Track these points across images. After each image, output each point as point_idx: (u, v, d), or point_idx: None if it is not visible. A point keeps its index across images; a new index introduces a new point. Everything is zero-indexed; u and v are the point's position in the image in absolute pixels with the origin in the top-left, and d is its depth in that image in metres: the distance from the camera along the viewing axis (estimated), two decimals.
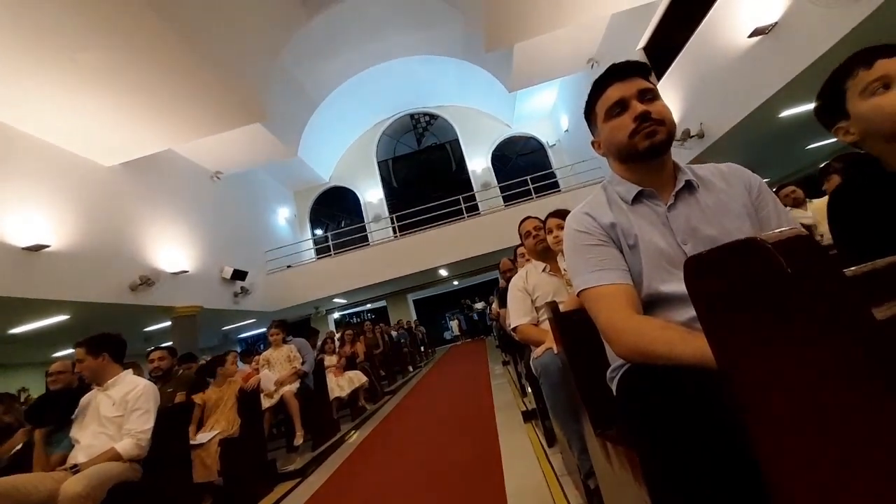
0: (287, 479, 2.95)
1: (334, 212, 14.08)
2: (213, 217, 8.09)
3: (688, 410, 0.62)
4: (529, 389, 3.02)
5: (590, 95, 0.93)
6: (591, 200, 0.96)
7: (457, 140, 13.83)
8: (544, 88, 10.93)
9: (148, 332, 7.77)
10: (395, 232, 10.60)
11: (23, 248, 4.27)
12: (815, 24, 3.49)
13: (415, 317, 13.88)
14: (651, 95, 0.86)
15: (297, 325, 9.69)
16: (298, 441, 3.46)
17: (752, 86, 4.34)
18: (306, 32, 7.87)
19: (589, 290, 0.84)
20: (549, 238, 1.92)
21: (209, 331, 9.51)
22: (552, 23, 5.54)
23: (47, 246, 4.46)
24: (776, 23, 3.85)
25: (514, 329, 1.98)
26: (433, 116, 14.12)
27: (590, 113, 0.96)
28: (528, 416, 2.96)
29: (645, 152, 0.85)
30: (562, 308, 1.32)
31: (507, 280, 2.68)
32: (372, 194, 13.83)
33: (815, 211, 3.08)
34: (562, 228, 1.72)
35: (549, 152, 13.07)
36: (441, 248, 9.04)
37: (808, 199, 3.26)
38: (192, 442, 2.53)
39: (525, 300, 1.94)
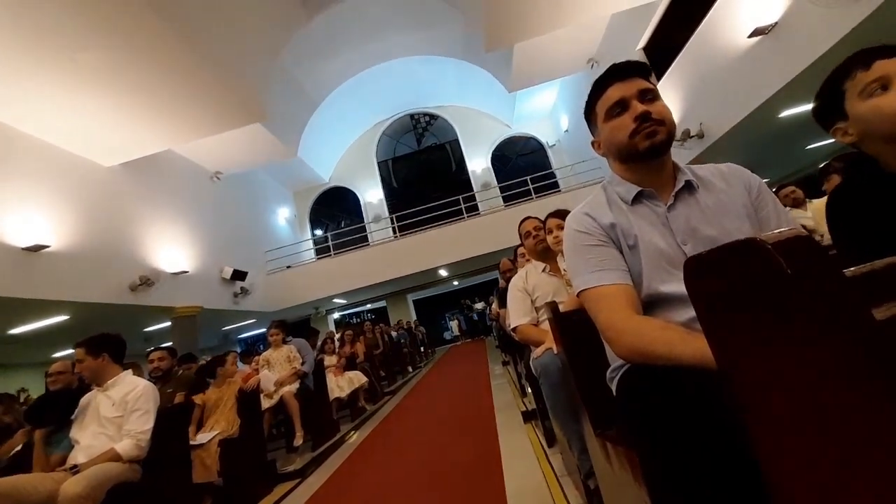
0: (287, 480, 2.95)
1: (334, 212, 14.08)
2: (213, 217, 8.09)
3: (688, 411, 0.62)
4: (529, 390, 3.02)
5: (590, 95, 0.93)
6: (591, 201, 0.96)
7: (457, 140, 13.84)
8: (544, 88, 10.93)
9: (148, 333, 7.77)
10: (395, 232, 10.60)
11: (23, 249, 4.27)
12: (815, 24, 3.49)
13: (415, 317, 13.88)
14: (651, 96, 0.86)
15: (297, 326, 9.69)
16: (298, 441, 3.46)
17: (752, 86, 4.34)
18: (306, 32, 7.87)
19: (589, 290, 0.84)
20: (549, 238, 1.92)
21: (209, 331, 9.51)
22: (552, 23, 5.54)
23: (47, 246, 4.46)
24: (776, 23, 3.85)
25: (514, 329, 1.98)
26: (433, 116, 14.12)
27: (590, 113, 0.96)
28: (528, 416, 2.96)
29: (645, 152, 0.85)
30: (562, 308, 1.32)
31: (507, 280, 2.68)
32: (372, 194, 13.83)
33: (815, 211, 3.08)
34: (562, 228, 1.72)
35: (549, 152, 13.08)
36: (441, 248, 9.04)
37: (807, 200, 3.26)
38: (191, 442, 2.52)
39: (525, 300, 1.94)
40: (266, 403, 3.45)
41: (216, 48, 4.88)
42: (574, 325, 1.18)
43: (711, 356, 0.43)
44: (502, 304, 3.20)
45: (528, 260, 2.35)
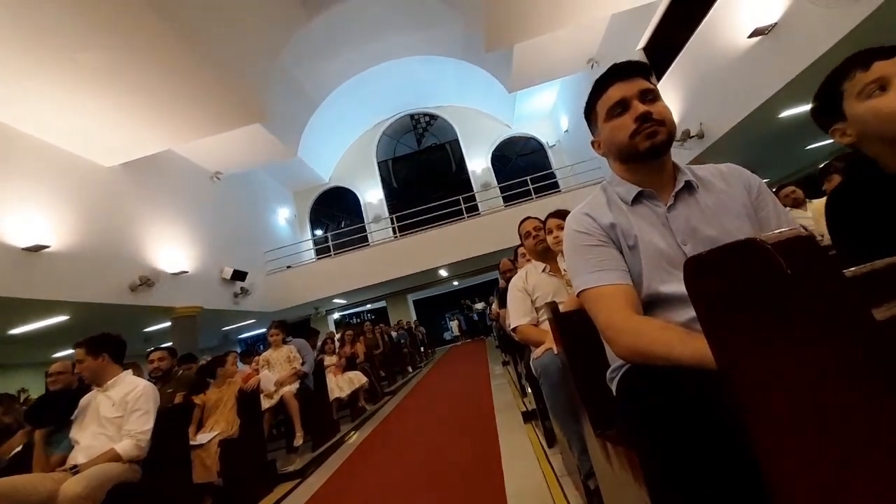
0: (287, 480, 2.95)
1: (334, 212, 14.08)
2: (213, 217, 8.09)
3: (688, 411, 0.62)
4: (529, 390, 3.02)
5: (591, 95, 0.93)
6: (591, 201, 0.96)
7: (457, 140, 13.84)
8: (544, 89, 10.93)
9: (148, 333, 7.77)
10: (394, 232, 10.60)
11: (23, 249, 4.27)
12: (815, 24, 3.49)
13: (415, 317, 13.87)
14: (652, 96, 0.86)
15: (297, 326, 9.68)
16: (298, 442, 3.46)
17: (752, 86, 4.35)
18: (306, 32, 7.87)
19: (589, 290, 0.84)
20: (549, 238, 1.92)
21: (209, 331, 9.51)
22: (552, 23, 5.54)
23: (47, 246, 4.46)
24: (776, 23, 3.85)
25: (514, 329, 1.98)
26: (433, 117, 14.12)
27: (590, 112, 0.96)
28: (528, 416, 2.96)
29: (645, 153, 0.85)
30: (562, 308, 1.32)
31: (507, 280, 2.68)
32: (372, 195, 13.83)
33: (815, 211, 3.09)
34: (562, 229, 1.72)
35: (549, 152, 13.08)
36: (441, 248, 9.04)
37: (807, 200, 3.26)
38: (191, 442, 2.52)
39: (525, 300, 1.94)
40: (266, 404, 3.45)
41: (216, 48, 4.88)
42: (574, 326, 1.18)
43: (711, 356, 0.43)
44: (502, 304, 3.20)
45: (528, 260, 2.35)
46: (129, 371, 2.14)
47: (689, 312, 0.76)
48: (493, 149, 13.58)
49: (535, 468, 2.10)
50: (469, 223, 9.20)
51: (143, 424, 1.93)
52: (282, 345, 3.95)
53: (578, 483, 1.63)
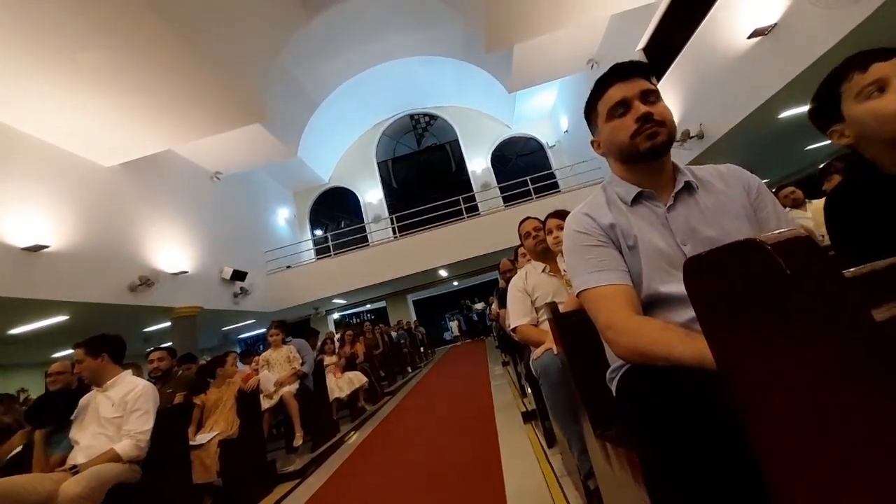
0: (286, 480, 2.95)
1: (334, 212, 14.08)
2: (213, 217, 8.09)
3: (688, 411, 0.62)
4: (529, 390, 3.02)
5: (591, 94, 0.93)
6: (591, 201, 0.96)
7: (456, 140, 13.84)
8: (544, 89, 10.93)
9: (147, 333, 7.76)
10: (394, 232, 10.60)
11: (22, 249, 4.27)
12: (815, 24, 3.49)
13: (414, 317, 13.87)
14: (653, 97, 0.86)
15: (297, 326, 9.68)
16: (298, 442, 3.46)
17: (752, 87, 4.35)
18: (306, 32, 7.88)
19: (588, 290, 0.84)
20: (549, 238, 1.92)
21: (209, 331, 9.50)
22: (552, 23, 5.54)
23: (47, 246, 4.46)
24: (776, 24, 3.86)
25: (514, 330, 1.98)
26: (433, 117, 14.12)
27: (590, 112, 0.96)
28: (527, 416, 2.96)
29: (646, 153, 0.85)
30: (561, 309, 1.32)
31: (507, 280, 2.68)
32: (372, 195, 13.83)
33: (815, 211, 3.09)
34: (561, 229, 1.71)
35: (549, 153, 13.08)
36: (441, 248, 9.04)
37: (807, 200, 3.27)
38: (191, 443, 2.52)
39: (525, 301, 1.94)
40: (266, 404, 3.45)
41: (216, 48, 4.88)
42: (574, 326, 1.18)
43: (711, 357, 0.43)
44: (502, 304, 3.20)
45: (528, 260, 2.35)
46: (129, 371, 2.14)
47: (689, 312, 0.76)
48: (492, 149, 13.58)
49: (535, 468, 2.10)
50: (469, 223, 9.20)
51: (142, 424, 1.93)
52: (281, 345, 3.95)
53: (578, 483, 1.63)
